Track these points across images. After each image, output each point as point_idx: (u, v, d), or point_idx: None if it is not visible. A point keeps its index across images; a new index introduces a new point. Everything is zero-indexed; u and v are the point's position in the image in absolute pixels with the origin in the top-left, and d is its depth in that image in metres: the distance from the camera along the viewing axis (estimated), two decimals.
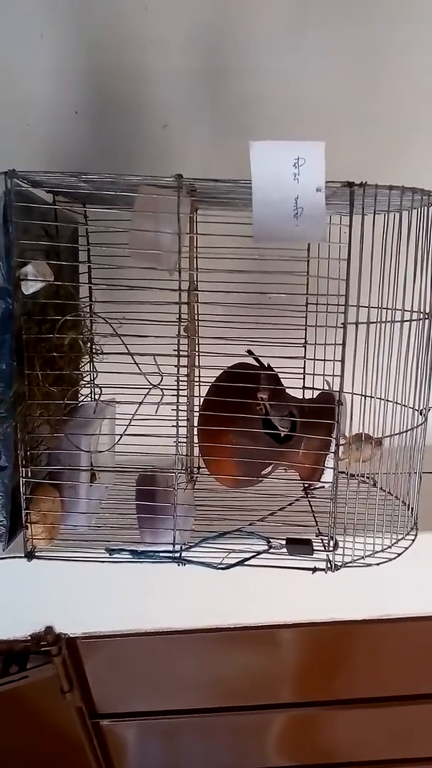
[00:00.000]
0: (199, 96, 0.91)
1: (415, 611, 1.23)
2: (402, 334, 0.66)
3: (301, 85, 0.91)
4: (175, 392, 0.65)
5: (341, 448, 0.66)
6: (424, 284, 0.67)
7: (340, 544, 0.67)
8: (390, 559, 0.69)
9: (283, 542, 0.68)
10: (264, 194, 0.58)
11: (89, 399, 0.84)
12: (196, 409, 0.80)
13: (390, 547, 0.69)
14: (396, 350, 0.66)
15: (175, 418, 0.66)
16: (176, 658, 1.30)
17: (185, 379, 0.69)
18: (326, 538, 0.68)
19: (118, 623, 1.21)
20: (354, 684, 1.38)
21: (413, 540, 0.71)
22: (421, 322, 0.69)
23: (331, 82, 0.91)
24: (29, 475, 0.67)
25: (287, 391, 0.76)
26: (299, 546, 0.67)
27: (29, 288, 0.62)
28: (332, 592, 1.12)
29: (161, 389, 0.65)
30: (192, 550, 0.69)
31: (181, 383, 0.66)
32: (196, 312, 0.80)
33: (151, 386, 0.65)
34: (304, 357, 0.84)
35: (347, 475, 0.72)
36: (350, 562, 0.67)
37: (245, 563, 0.67)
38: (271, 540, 0.68)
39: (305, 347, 0.84)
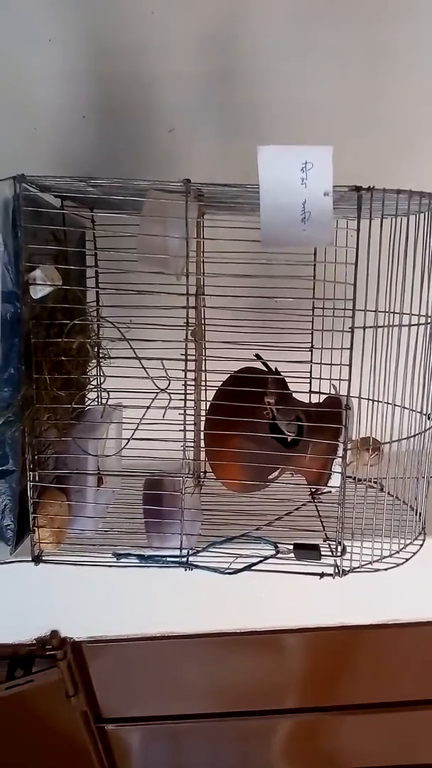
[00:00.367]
0: (205, 100, 0.91)
1: (422, 616, 1.22)
2: (409, 338, 0.66)
3: (308, 89, 0.91)
4: (182, 397, 0.65)
5: (349, 453, 0.66)
6: None
7: (348, 549, 0.67)
8: (398, 565, 0.68)
9: (291, 547, 0.67)
10: (271, 198, 0.58)
11: (96, 403, 0.84)
12: (204, 413, 0.80)
13: (398, 552, 0.69)
14: (403, 354, 0.66)
15: (182, 422, 0.66)
16: (181, 662, 1.29)
17: (192, 383, 0.69)
18: (334, 543, 0.68)
19: (123, 628, 1.21)
20: (360, 689, 1.37)
21: (421, 545, 0.71)
22: (428, 326, 0.68)
23: (337, 85, 0.91)
24: (37, 479, 0.67)
25: (294, 395, 0.76)
26: (307, 551, 0.67)
27: (37, 292, 0.63)
28: (339, 597, 1.12)
29: (169, 393, 0.65)
30: (199, 554, 0.68)
31: (188, 388, 0.65)
32: (203, 316, 0.80)
33: (158, 390, 0.65)
34: (311, 361, 0.84)
35: (355, 479, 0.72)
36: (358, 568, 0.67)
37: (252, 568, 0.67)
38: (278, 545, 0.68)
39: (312, 351, 0.83)
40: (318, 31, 0.90)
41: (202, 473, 0.87)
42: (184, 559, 0.68)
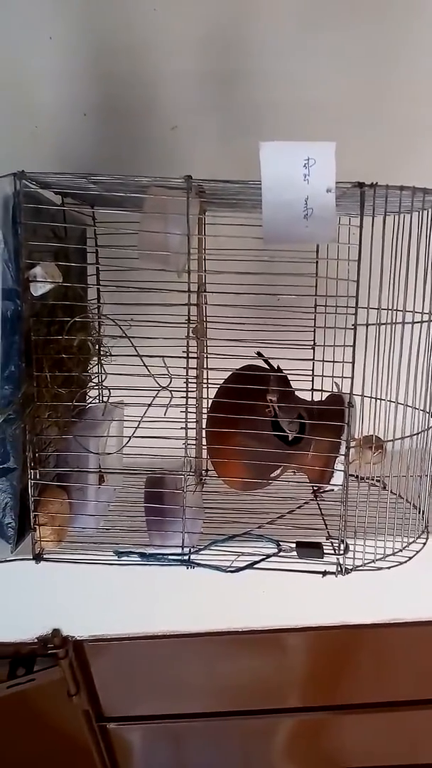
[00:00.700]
0: (207, 98, 0.91)
1: (425, 615, 1.22)
2: (412, 335, 0.66)
3: (310, 87, 0.91)
4: (183, 394, 0.65)
5: (352, 451, 0.65)
6: None
7: (351, 547, 0.67)
8: (401, 563, 0.68)
9: (293, 545, 0.67)
10: (274, 195, 0.58)
11: (97, 401, 0.84)
12: (205, 411, 0.80)
13: (401, 550, 0.68)
14: (406, 352, 0.66)
15: (183, 420, 0.65)
16: (183, 661, 1.29)
17: (194, 381, 0.69)
18: (336, 541, 0.67)
19: (125, 626, 1.20)
20: (361, 689, 1.37)
21: (424, 543, 0.71)
22: (431, 323, 0.68)
23: (339, 83, 0.91)
24: (38, 477, 0.67)
25: (296, 393, 0.75)
26: (309, 549, 0.67)
27: (38, 289, 0.62)
28: (341, 596, 1.12)
29: (170, 391, 0.65)
30: (201, 553, 0.68)
31: (190, 385, 0.65)
32: (204, 313, 0.80)
33: (160, 388, 0.65)
34: (313, 359, 0.83)
35: (357, 477, 0.72)
36: (361, 566, 0.67)
37: (255, 566, 0.66)
38: (280, 543, 0.67)
39: (314, 349, 0.83)
40: (320, 30, 0.89)
41: (203, 471, 0.87)
42: (186, 558, 0.68)
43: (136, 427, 0.67)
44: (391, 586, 1.10)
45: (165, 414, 0.65)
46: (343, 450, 0.66)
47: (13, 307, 0.62)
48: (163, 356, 0.64)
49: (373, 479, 0.71)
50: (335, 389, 0.76)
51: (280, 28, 0.89)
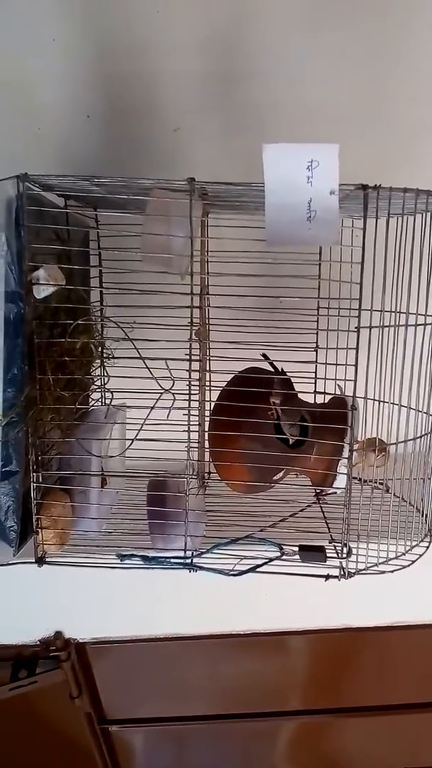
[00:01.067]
0: (210, 99, 0.91)
1: (427, 619, 1.22)
2: (416, 338, 0.65)
3: (313, 88, 0.91)
4: (186, 397, 0.65)
5: (354, 454, 0.65)
6: None
7: (353, 551, 0.67)
8: (404, 567, 0.68)
9: (296, 549, 0.67)
10: (277, 197, 0.58)
11: (100, 404, 0.84)
12: (208, 413, 0.80)
13: (404, 554, 0.68)
14: (410, 354, 0.65)
15: (186, 423, 0.65)
16: (185, 664, 1.29)
17: (197, 383, 0.68)
18: (339, 544, 0.67)
19: (127, 629, 1.20)
20: (364, 691, 1.37)
21: (427, 547, 0.71)
22: None
23: (342, 84, 0.91)
24: (40, 479, 0.67)
25: (299, 395, 0.75)
26: (312, 553, 0.67)
27: (41, 292, 0.62)
28: (343, 599, 1.12)
29: (173, 394, 0.65)
30: (203, 556, 0.68)
31: (192, 388, 0.65)
32: (207, 316, 0.80)
33: (163, 391, 0.64)
34: (316, 361, 0.83)
35: (361, 480, 0.72)
36: (364, 570, 0.67)
37: (257, 570, 0.66)
38: (283, 546, 0.67)
39: (317, 351, 0.83)
40: (322, 31, 0.89)
41: (206, 474, 0.86)
42: (189, 561, 0.68)
43: (139, 430, 0.67)
44: (393, 589, 1.10)
45: (167, 417, 0.65)
46: (346, 453, 0.66)
47: (16, 309, 0.62)
48: (165, 359, 0.64)
49: (376, 482, 0.71)
50: (338, 392, 0.76)
51: (281, 29, 0.89)
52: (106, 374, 0.79)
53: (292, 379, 0.74)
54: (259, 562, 0.66)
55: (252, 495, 0.77)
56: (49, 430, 0.68)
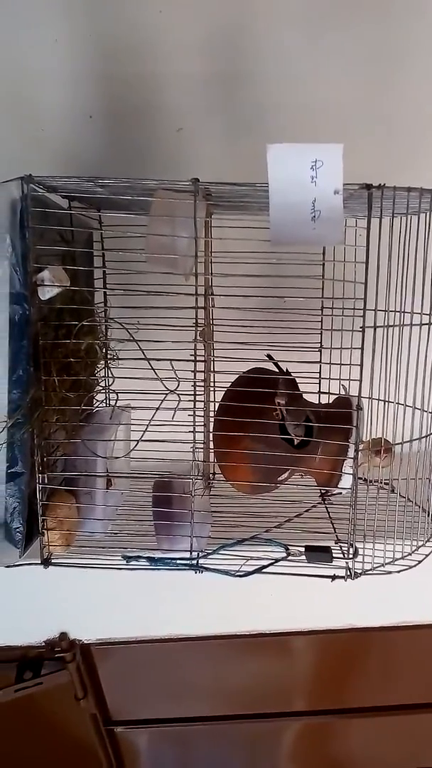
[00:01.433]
0: (213, 100, 0.91)
1: None
2: (420, 337, 0.65)
3: (316, 89, 0.91)
4: (191, 398, 0.65)
5: (360, 454, 0.65)
6: None
7: (360, 551, 0.66)
8: (410, 567, 0.68)
9: (302, 549, 0.67)
10: (281, 197, 0.58)
11: (105, 405, 0.84)
12: (212, 414, 0.80)
13: (410, 554, 0.68)
14: (414, 354, 0.65)
15: (191, 423, 0.65)
16: (190, 665, 1.29)
17: (202, 384, 0.68)
18: (345, 545, 0.67)
19: (132, 630, 1.20)
20: (369, 692, 1.36)
21: None
22: None
23: (345, 84, 0.91)
24: (46, 481, 0.67)
25: (304, 396, 0.75)
26: (318, 553, 0.66)
27: (46, 293, 0.62)
28: (348, 599, 1.11)
29: (178, 395, 0.65)
30: (209, 557, 0.68)
31: (197, 388, 0.65)
32: (211, 316, 0.80)
33: (168, 391, 0.64)
34: (320, 361, 0.83)
35: (366, 481, 0.72)
36: (370, 570, 0.66)
37: (263, 571, 0.66)
38: (289, 547, 0.67)
39: (321, 351, 0.83)
40: (325, 31, 0.89)
41: (211, 475, 0.86)
42: (194, 562, 0.68)
43: (144, 431, 0.67)
44: (398, 589, 1.10)
45: (173, 417, 0.65)
46: (351, 453, 0.66)
47: (21, 311, 0.62)
48: (170, 359, 0.64)
49: (381, 482, 0.71)
50: (342, 392, 0.76)
51: (285, 29, 0.89)
52: (110, 375, 0.79)
53: (297, 380, 0.74)
54: (265, 563, 0.66)
55: (257, 495, 0.77)
56: (54, 431, 0.68)
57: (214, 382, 0.81)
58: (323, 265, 0.79)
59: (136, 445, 0.69)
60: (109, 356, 0.77)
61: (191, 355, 0.65)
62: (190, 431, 0.65)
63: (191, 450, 0.66)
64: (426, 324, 0.66)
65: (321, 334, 0.82)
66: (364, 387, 0.64)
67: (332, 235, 0.59)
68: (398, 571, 0.67)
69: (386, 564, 0.67)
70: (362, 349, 0.62)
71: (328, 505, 0.79)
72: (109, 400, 0.84)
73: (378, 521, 0.66)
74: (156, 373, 0.65)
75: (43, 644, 1.19)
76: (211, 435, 0.81)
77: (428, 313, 0.66)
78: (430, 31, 0.90)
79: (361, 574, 0.67)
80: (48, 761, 1.39)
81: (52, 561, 0.69)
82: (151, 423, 0.66)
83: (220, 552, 0.68)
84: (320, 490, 0.80)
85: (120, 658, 1.26)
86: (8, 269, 0.61)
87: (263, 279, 0.68)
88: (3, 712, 1.25)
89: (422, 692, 1.36)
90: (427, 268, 0.65)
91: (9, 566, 0.68)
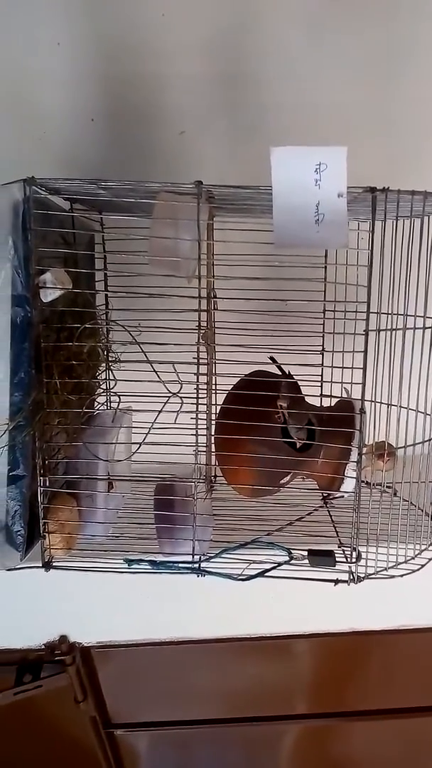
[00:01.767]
0: (216, 102, 0.91)
1: None
2: (423, 341, 0.65)
3: (319, 91, 0.91)
4: (193, 401, 0.65)
5: (363, 457, 0.65)
6: None
7: (363, 555, 0.66)
8: (413, 571, 0.67)
9: (305, 553, 0.66)
10: (285, 200, 0.57)
11: (105, 407, 0.84)
12: (214, 417, 0.79)
13: (413, 558, 0.67)
14: (417, 357, 0.65)
15: (193, 426, 0.65)
16: (190, 668, 1.29)
17: (204, 387, 0.68)
18: (348, 549, 0.67)
19: (132, 633, 1.20)
20: (370, 695, 1.36)
21: None
22: None
23: (348, 87, 0.91)
24: (47, 484, 0.67)
25: (306, 399, 0.75)
26: (321, 557, 0.66)
27: (48, 296, 0.62)
28: (349, 602, 1.11)
29: (180, 398, 0.64)
30: (211, 560, 0.68)
31: (200, 391, 0.65)
32: (213, 319, 0.80)
33: (170, 394, 0.64)
34: (322, 364, 0.83)
35: (369, 484, 0.71)
36: (373, 574, 0.66)
37: (266, 575, 0.66)
38: (292, 551, 0.67)
39: (323, 354, 0.83)
40: (329, 33, 0.89)
41: (213, 478, 0.86)
42: (197, 566, 0.67)
43: (146, 434, 0.66)
44: (399, 593, 1.10)
45: (175, 420, 0.65)
46: (354, 456, 0.66)
47: (23, 313, 0.62)
48: (173, 362, 0.63)
49: (384, 486, 0.71)
50: (344, 395, 0.76)
51: (288, 31, 0.89)
52: (112, 378, 0.79)
53: (299, 382, 0.74)
54: (268, 566, 0.66)
55: (259, 499, 0.77)
56: (55, 434, 0.68)
57: (216, 384, 0.81)
58: (325, 268, 0.78)
59: (138, 449, 0.69)
60: (110, 359, 0.77)
61: (193, 357, 0.64)
62: (192, 434, 0.65)
63: (193, 453, 0.66)
64: (429, 327, 0.66)
65: (323, 337, 0.82)
66: (366, 390, 0.63)
67: (336, 238, 0.58)
68: (401, 575, 0.67)
69: (389, 568, 0.67)
70: (365, 352, 0.61)
71: (330, 509, 0.79)
72: (111, 402, 0.83)
73: (381, 525, 0.65)
74: (158, 376, 0.64)
75: (43, 647, 1.19)
76: (213, 438, 0.80)
77: (431, 316, 0.66)
78: None
79: (364, 578, 0.66)
80: (47, 764, 1.39)
81: (54, 564, 0.69)
82: (153, 426, 0.66)
83: (223, 555, 0.68)
84: (322, 493, 0.79)
85: (120, 661, 1.26)
86: (10, 271, 0.61)
87: (265, 282, 0.68)
88: (2, 715, 1.24)
89: (423, 696, 1.35)
90: (430, 271, 0.65)
91: (10, 569, 0.68)
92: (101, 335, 0.73)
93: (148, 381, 0.65)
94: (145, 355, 0.65)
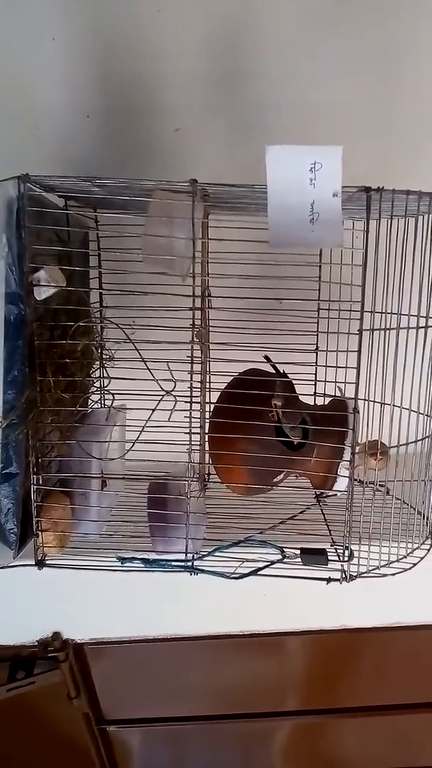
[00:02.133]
0: (211, 100, 0.91)
1: (425, 620, 1.22)
2: (417, 340, 0.65)
3: (315, 89, 0.90)
4: (187, 399, 0.65)
5: (356, 456, 0.65)
6: None
7: (355, 553, 0.67)
8: (405, 569, 0.68)
9: (297, 552, 0.67)
10: (279, 199, 0.57)
11: (99, 405, 0.84)
12: (208, 415, 0.79)
13: (405, 556, 0.68)
14: (411, 357, 0.65)
15: (187, 425, 0.65)
16: (183, 664, 1.29)
17: (198, 385, 0.68)
18: (341, 547, 0.67)
19: (125, 629, 1.20)
20: (361, 692, 1.37)
21: (429, 549, 0.71)
22: None
23: (345, 86, 0.90)
24: (40, 482, 0.67)
25: (300, 397, 0.75)
26: (314, 556, 0.66)
27: (42, 293, 0.62)
28: (342, 600, 1.11)
29: (174, 396, 0.64)
30: (204, 559, 0.68)
31: (194, 390, 0.65)
32: (208, 318, 0.80)
33: (164, 393, 0.64)
34: (316, 363, 0.83)
35: (362, 483, 0.72)
36: (365, 573, 0.66)
37: (259, 573, 0.66)
38: (284, 549, 0.67)
39: (317, 353, 0.83)
40: (326, 32, 0.89)
41: (206, 476, 0.86)
42: (189, 564, 0.67)
43: (140, 432, 0.66)
44: (391, 591, 1.10)
45: (169, 419, 0.65)
46: (346, 455, 0.66)
47: (17, 311, 0.62)
48: (167, 360, 0.63)
49: (376, 485, 0.71)
50: (338, 394, 0.76)
51: (285, 29, 0.89)
52: (106, 376, 0.79)
53: (293, 381, 0.74)
54: (261, 564, 0.66)
55: (252, 497, 0.77)
56: (49, 432, 0.68)
57: (209, 383, 0.81)
58: (320, 267, 0.78)
59: (131, 447, 0.69)
60: (104, 357, 0.77)
61: (188, 356, 0.64)
62: (185, 432, 0.65)
63: (187, 451, 0.66)
64: (423, 327, 0.66)
65: (317, 335, 0.82)
66: (360, 389, 0.64)
67: (331, 237, 0.59)
68: (393, 574, 0.67)
69: (381, 566, 0.67)
70: (359, 351, 0.61)
71: (323, 507, 0.79)
72: (105, 400, 0.83)
73: (373, 523, 0.66)
74: (152, 374, 0.64)
75: (36, 644, 1.19)
76: (206, 436, 0.81)
77: (425, 315, 0.66)
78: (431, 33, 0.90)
79: (356, 576, 0.67)
80: (40, 760, 1.39)
81: (47, 562, 0.69)
82: (147, 424, 0.66)
83: (215, 554, 0.68)
84: (315, 492, 0.80)
85: (113, 658, 1.26)
86: (4, 269, 0.61)
87: (260, 280, 0.68)
88: None
89: (414, 692, 1.36)
90: (425, 271, 0.65)
91: (3, 567, 0.67)
92: (95, 333, 0.73)
93: (142, 379, 0.65)
94: (139, 354, 0.65)
